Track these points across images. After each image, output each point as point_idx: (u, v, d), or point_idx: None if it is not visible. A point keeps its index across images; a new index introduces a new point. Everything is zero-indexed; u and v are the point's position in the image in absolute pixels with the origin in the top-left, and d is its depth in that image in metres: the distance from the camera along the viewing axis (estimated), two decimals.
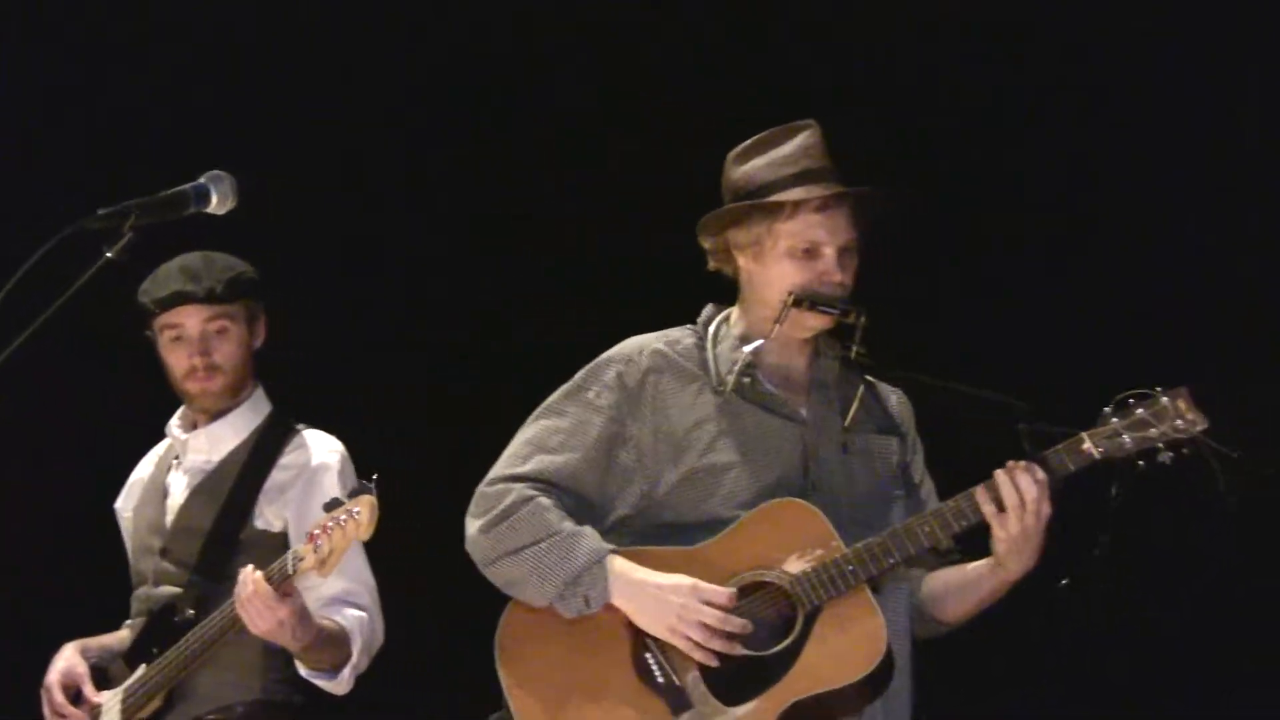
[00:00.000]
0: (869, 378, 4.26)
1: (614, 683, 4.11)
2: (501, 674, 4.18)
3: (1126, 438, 3.98)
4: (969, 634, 4.25)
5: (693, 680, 4.07)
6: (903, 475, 4.28)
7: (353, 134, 6.09)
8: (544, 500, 4.16)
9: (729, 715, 4.04)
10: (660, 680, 4.09)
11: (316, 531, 4.34)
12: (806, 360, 4.25)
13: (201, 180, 3.62)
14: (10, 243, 3.35)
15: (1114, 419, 3.99)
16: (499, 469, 4.23)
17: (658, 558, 4.12)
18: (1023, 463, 4.00)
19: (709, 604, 4.04)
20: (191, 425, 4.92)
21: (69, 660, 4.82)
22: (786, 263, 4.16)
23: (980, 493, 4.01)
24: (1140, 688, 5.54)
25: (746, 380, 4.19)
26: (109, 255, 3.50)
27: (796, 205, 4.13)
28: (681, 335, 4.30)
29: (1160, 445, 3.97)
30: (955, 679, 5.39)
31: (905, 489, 4.27)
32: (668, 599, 4.05)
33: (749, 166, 4.21)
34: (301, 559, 4.37)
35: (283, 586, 4.41)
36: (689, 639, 4.03)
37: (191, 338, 4.81)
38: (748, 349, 4.19)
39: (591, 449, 4.20)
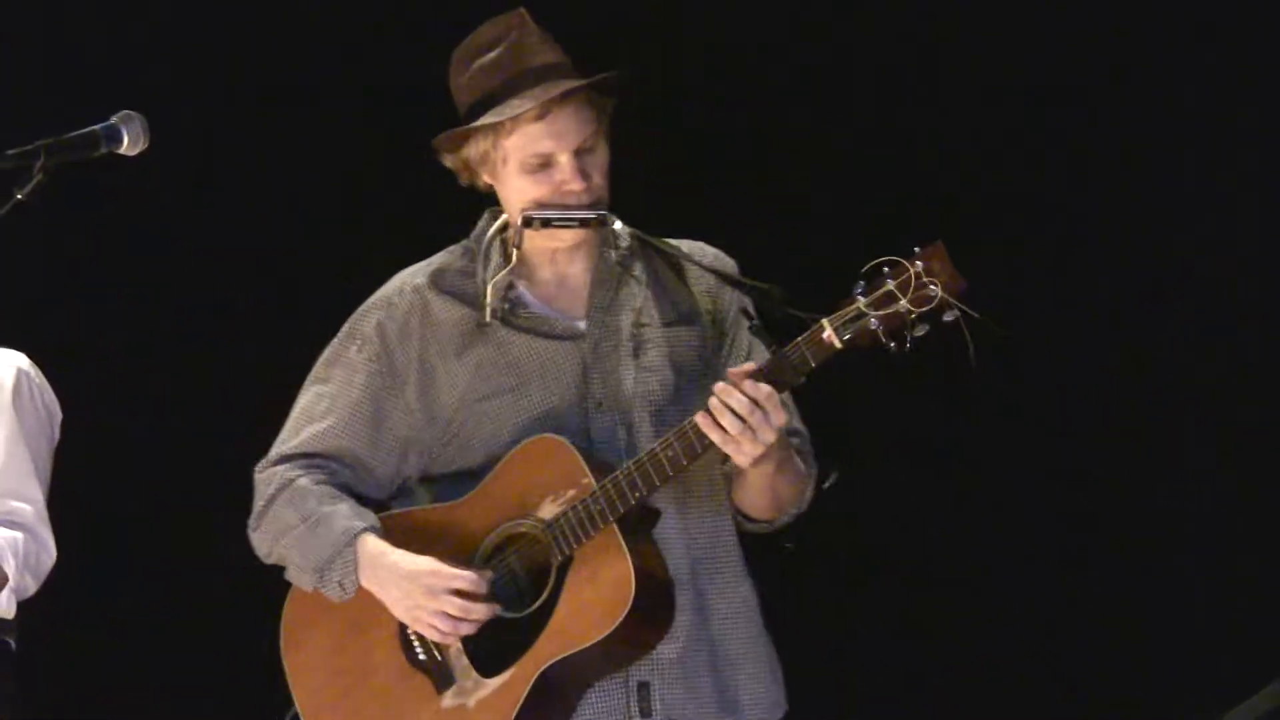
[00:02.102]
0: (662, 263, 3.91)
1: (383, 664, 3.90)
2: (284, 664, 4.01)
3: (872, 318, 3.54)
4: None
5: (455, 653, 3.84)
6: (710, 364, 3.91)
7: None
8: (304, 481, 3.94)
9: (488, 687, 3.79)
10: (422, 658, 3.87)
11: None
12: (583, 266, 3.95)
13: (112, 120, 3.57)
14: None
15: (859, 296, 3.57)
16: (272, 450, 4.02)
17: (420, 521, 3.90)
18: (741, 380, 3.63)
19: (452, 590, 3.78)
20: None
21: None
22: (521, 179, 3.85)
23: (703, 419, 3.64)
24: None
25: (507, 306, 3.92)
26: (19, 197, 3.46)
27: (515, 119, 3.81)
28: (451, 260, 4.01)
29: (912, 317, 3.53)
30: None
31: (696, 379, 3.88)
32: (408, 586, 3.82)
33: (465, 78, 3.89)
34: None
35: None
36: (433, 627, 3.80)
37: None
38: (497, 276, 3.91)
39: (356, 411, 3.96)
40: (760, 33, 5.77)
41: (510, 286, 3.93)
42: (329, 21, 5.90)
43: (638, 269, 3.95)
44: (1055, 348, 5.51)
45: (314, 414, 4.00)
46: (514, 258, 3.90)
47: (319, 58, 5.92)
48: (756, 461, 3.66)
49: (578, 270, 3.94)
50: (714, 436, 3.64)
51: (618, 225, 3.87)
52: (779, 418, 3.62)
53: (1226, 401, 5.41)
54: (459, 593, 3.79)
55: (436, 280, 3.98)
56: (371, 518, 3.91)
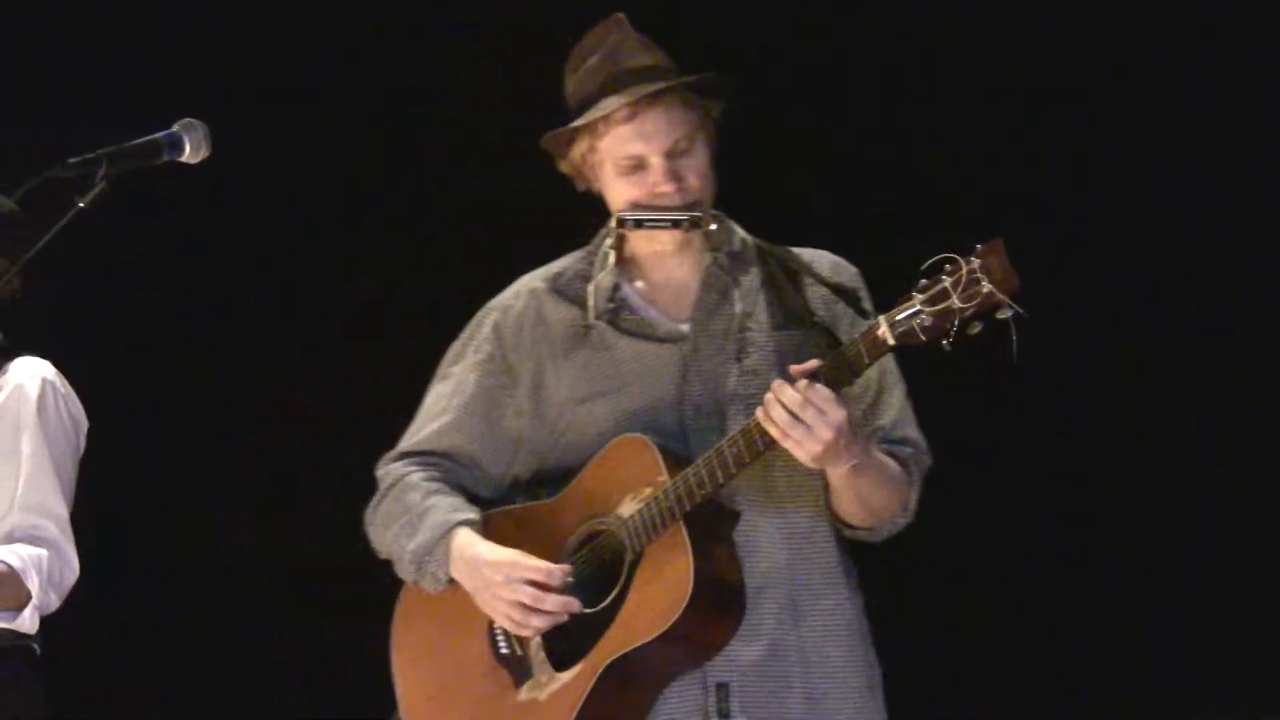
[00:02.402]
0: (777, 268, 3.88)
1: (474, 659, 3.94)
2: (391, 660, 4.05)
3: (926, 314, 3.51)
4: None
5: (535, 648, 3.88)
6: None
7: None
8: (413, 477, 4.01)
9: (558, 682, 3.83)
10: (505, 652, 3.91)
11: None
12: (690, 268, 3.94)
13: (174, 128, 3.58)
14: None
15: (915, 293, 3.54)
16: (395, 448, 4.09)
17: (516, 518, 3.95)
18: (798, 377, 3.62)
19: (529, 581, 3.82)
20: None
21: None
22: (617, 181, 3.88)
23: (760, 414, 3.65)
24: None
25: (613, 308, 3.94)
26: (81, 205, 3.46)
27: (606, 120, 3.85)
28: (569, 264, 4.04)
29: (966, 315, 3.49)
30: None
31: None
32: (488, 576, 3.86)
33: (570, 84, 3.93)
34: None
35: None
36: (509, 617, 3.84)
37: None
38: (600, 276, 3.95)
39: (471, 410, 4.01)
40: (760, 32, 5.79)
41: (617, 289, 3.96)
42: (330, 22, 5.90)
43: (750, 273, 3.94)
44: (1055, 347, 5.53)
45: (433, 413, 4.06)
46: (611, 260, 3.92)
47: (320, 59, 5.92)
48: (822, 460, 3.65)
49: (685, 273, 3.94)
50: (772, 432, 3.64)
51: (713, 226, 3.86)
52: (836, 415, 3.60)
53: (1227, 401, 5.44)
54: (533, 584, 3.82)
55: (553, 282, 4.02)
56: (471, 512, 3.96)
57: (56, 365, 4.66)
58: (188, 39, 5.90)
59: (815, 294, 3.92)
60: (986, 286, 3.44)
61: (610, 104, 3.83)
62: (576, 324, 3.96)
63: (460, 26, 5.89)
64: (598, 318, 3.93)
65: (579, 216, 4.03)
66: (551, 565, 3.83)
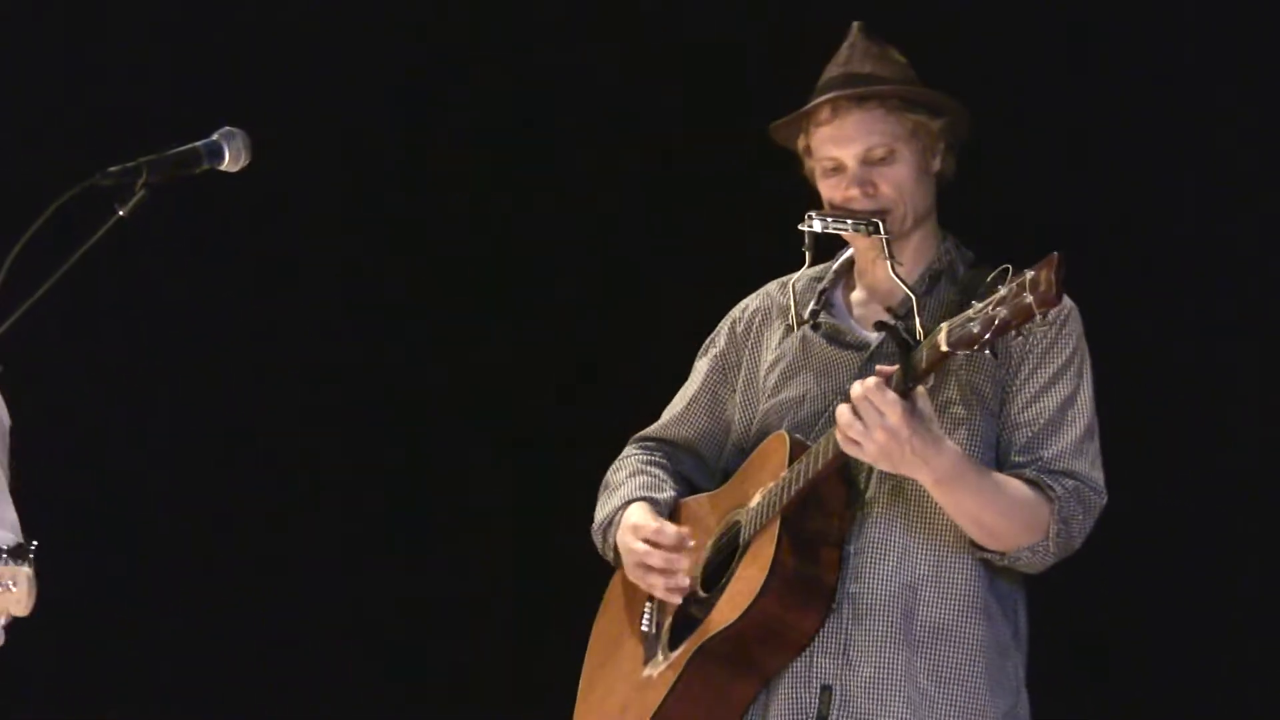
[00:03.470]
0: (982, 283, 3.73)
1: (627, 633, 4.08)
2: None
3: (976, 323, 3.55)
4: None
5: (665, 627, 3.98)
6: (982, 395, 3.87)
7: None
8: (631, 459, 4.18)
9: (667, 660, 3.93)
10: (645, 629, 4.03)
11: None
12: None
13: (214, 137, 3.57)
14: (19, 200, 3.33)
15: (974, 301, 3.59)
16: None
17: (692, 505, 4.07)
18: (861, 386, 3.66)
19: (643, 539, 3.96)
20: None
21: None
22: (821, 183, 3.96)
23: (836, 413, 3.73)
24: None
25: (816, 310, 4.00)
26: (121, 214, 3.45)
27: (811, 119, 3.94)
28: (812, 270, 4.08)
29: (1010, 326, 3.51)
30: None
31: (984, 412, 3.87)
32: (625, 539, 4.02)
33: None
34: None
35: None
36: (638, 579, 3.99)
37: None
38: (794, 276, 4.04)
39: (695, 401, 4.16)
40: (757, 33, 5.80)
41: (824, 293, 4.03)
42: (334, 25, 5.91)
43: (948, 291, 3.93)
44: None
45: (672, 404, 4.22)
46: (808, 260, 3.99)
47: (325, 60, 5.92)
48: (888, 463, 3.70)
49: (889, 284, 3.89)
50: (839, 438, 3.70)
51: (887, 235, 3.85)
52: (893, 417, 3.62)
53: (1226, 401, 5.45)
54: (649, 542, 3.96)
55: (795, 282, 4.07)
56: (657, 493, 4.09)
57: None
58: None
59: None
60: (1029, 299, 3.47)
61: (816, 104, 3.91)
62: (786, 328, 4.04)
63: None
64: (801, 321, 4.00)
65: None
66: (665, 525, 3.96)
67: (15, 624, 4.45)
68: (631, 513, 4.04)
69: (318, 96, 5.95)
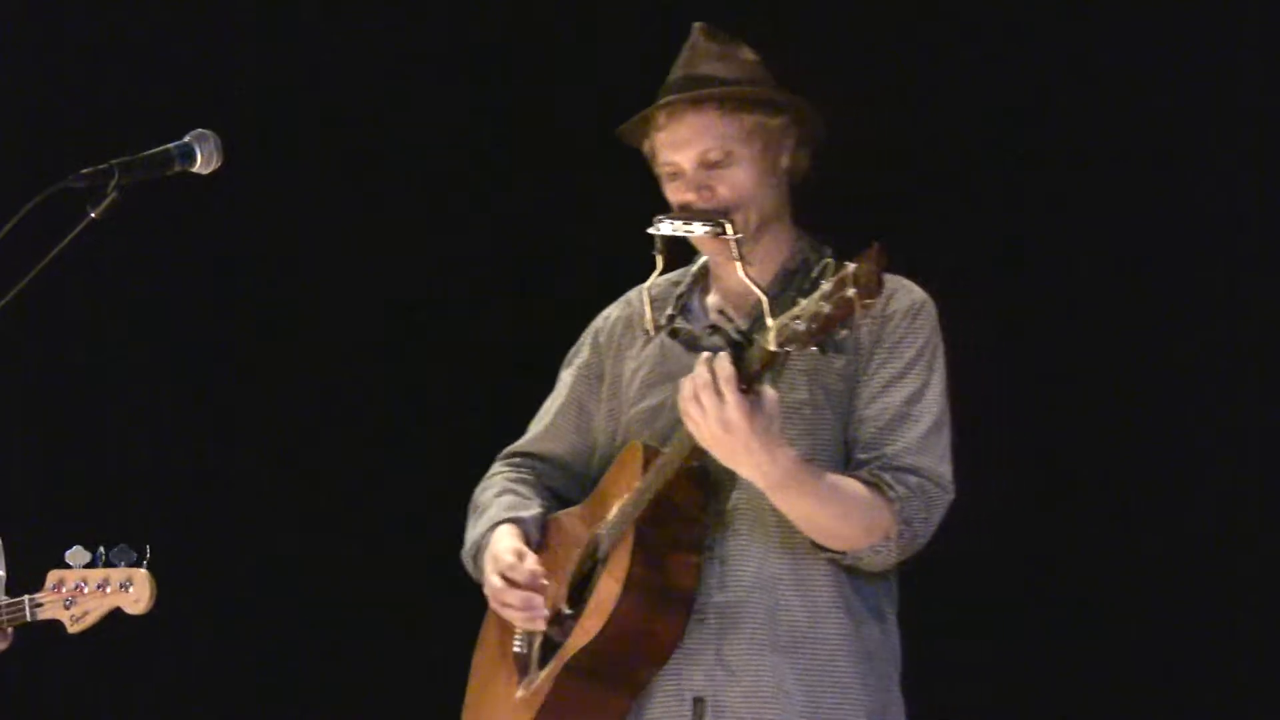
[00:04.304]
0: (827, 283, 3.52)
1: (501, 655, 4.01)
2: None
3: (801, 321, 3.40)
4: None
5: (536, 647, 3.91)
6: (833, 394, 3.81)
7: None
8: (498, 477, 4.09)
9: (538, 679, 3.86)
10: (517, 649, 3.96)
11: (70, 586, 4.24)
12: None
13: (186, 139, 3.57)
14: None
15: (801, 299, 3.43)
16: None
17: (560, 521, 4.00)
18: (706, 371, 3.54)
19: (498, 573, 3.87)
20: None
21: None
22: (666, 187, 3.86)
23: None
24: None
25: (672, 316, 3.92)
26: (93, 215, 3.44)
27: (649, 123, 3.86)
28: (673, 274, 4.01)
29: (834, 321, 3.38)
30: None
31: (836, 410, 3.81)
32: (487, 572, 3.93)
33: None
34: (40, 605, 4.30)
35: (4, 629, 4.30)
36: (499, 611, 3.91)
37: None
38: (646, 284, 3.93)
39: (563, 415, 4.08)
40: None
41: (681, 297, 3.97)
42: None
43: (800, 285, 3.79)
44: (1059, 347, 5.55)
45: (538, 418, 4.14)
46: (659, 264, 3.90)
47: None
48: (723, 455, 3.60)
49: (743, 285, 3.79)
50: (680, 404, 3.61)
51: (736, 236, 3.77)
52: (733, 412, 3.51)
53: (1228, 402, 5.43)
54: (504, 577, 3.87)
55: (650, 289, 3.97)
56: (524, 512, 4.00)
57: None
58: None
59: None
60: (851, 292, 3.35)
61: (652, 109, 3.85)
62: (645, 331, 3.96)
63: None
64: (659, 327, 3.92)
65: None
66: (519, 562, 3.86)
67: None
68: (497, 538, 3.95)
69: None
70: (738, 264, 3.76)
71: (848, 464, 3.79)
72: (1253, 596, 5.34)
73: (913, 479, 3.76)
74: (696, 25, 3.90)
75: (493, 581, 3.89)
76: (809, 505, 3.69)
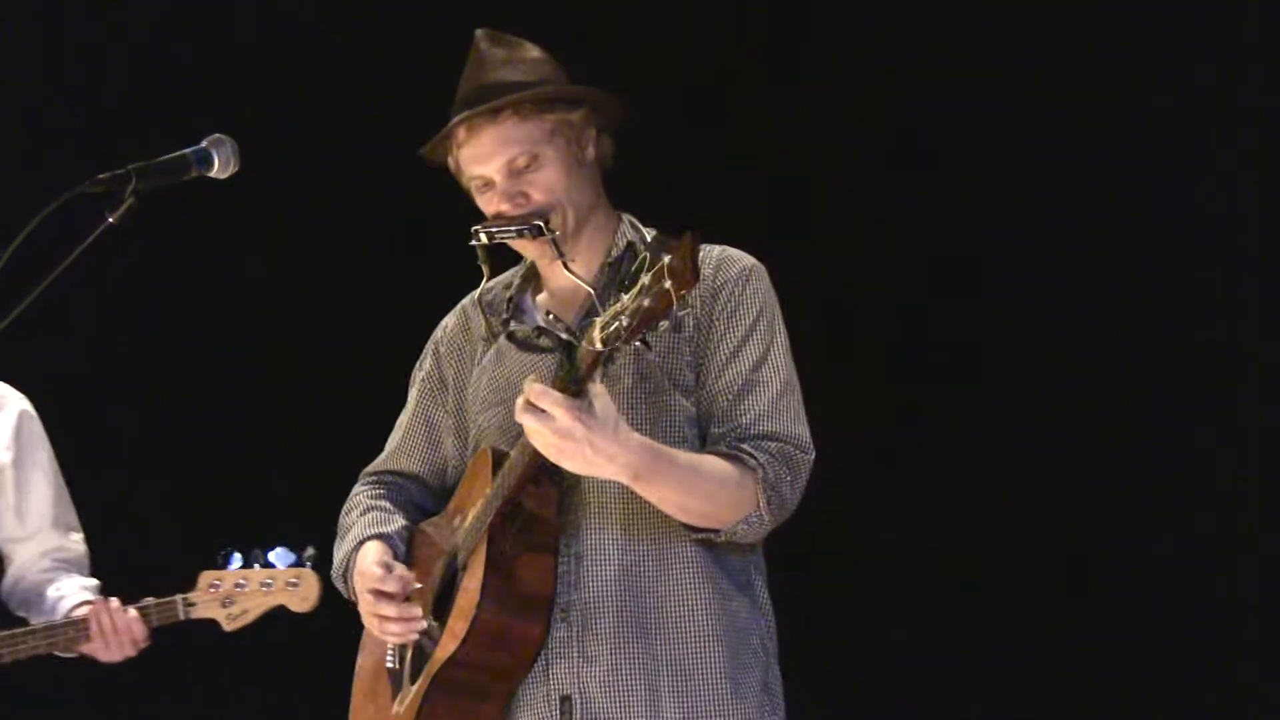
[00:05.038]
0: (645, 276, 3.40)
1: (377, 672, 3.99)
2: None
3: (624, 317, 3.33)
4: None
5: (407, 661, 3.89)
6: (678, 378, 3.78)
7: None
8: (359, 497, 4.06)
9: (410, 693, 3.82)
10: (390, 665, 3.95)
11: (227, 586, 4.28)
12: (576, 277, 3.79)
13: (203, 144, 3.58)
14: (9, 207, 3.34)
15: (622, 294, 3.36)
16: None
17: (424, 531, 3.97)
18: (528, 389, 3.49)
19: (369, 590, 3.83)
20: None
21: None
22: (479, 199, 3.85)
23: None
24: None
25: (507, 319, 3.92)
26: (111, 220, 3.46)
27: (449, 140, 3.84)
28: (504, 277, 4.00)
29: (655, 315, 3.30)
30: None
31: (682, 392, 3.77)
32: (359, 588, 3.89)
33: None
34: (192, 605, 4.35)
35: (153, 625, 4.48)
36: (374, 628, 3.87)
37: None
38: (476, 292, 3.93)
39: (413, 429, 4.07)
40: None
41: (512, 300, 3.95)
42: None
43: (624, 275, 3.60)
44: (1062, 347, 5.57)
45: (393, 433, 4.12)
46: (486, 273, 3.88)
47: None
48: (572, 465, 3.55)
49: (571, 282, 3.81)
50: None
51: (554, 234, 3.77)
52: (562, 418, 3.45)
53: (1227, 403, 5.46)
54: (375, 592, 3.82)
55: (482, 295, 3.97)
56: (388, 527, 3.97)
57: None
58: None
59: (696, 290, 3.65)
60: (668, 285, 3.28)
61: (450, 127, 3.82)
62: (483, 337, 3.94)
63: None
64: (494, 333, 3.90)
65: None
66: (388, 574, 3.82)
67: None
68: (364, 554, 3.91)
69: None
70: (560, 262, 3.76)
71: (704, 442, 3.75)
72: (1253, 596, 5.39)
73: (772, 445, 3.71)
74: (479, 32, 3.89)
75: (365, 598, 3.84)
76: (676, 490, 3.64)
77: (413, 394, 4.09)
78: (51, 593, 4.70)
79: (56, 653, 4.61)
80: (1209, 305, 5.45)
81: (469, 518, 3.78)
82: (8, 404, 4.81)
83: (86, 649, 4.57)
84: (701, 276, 3.58)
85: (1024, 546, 5.54)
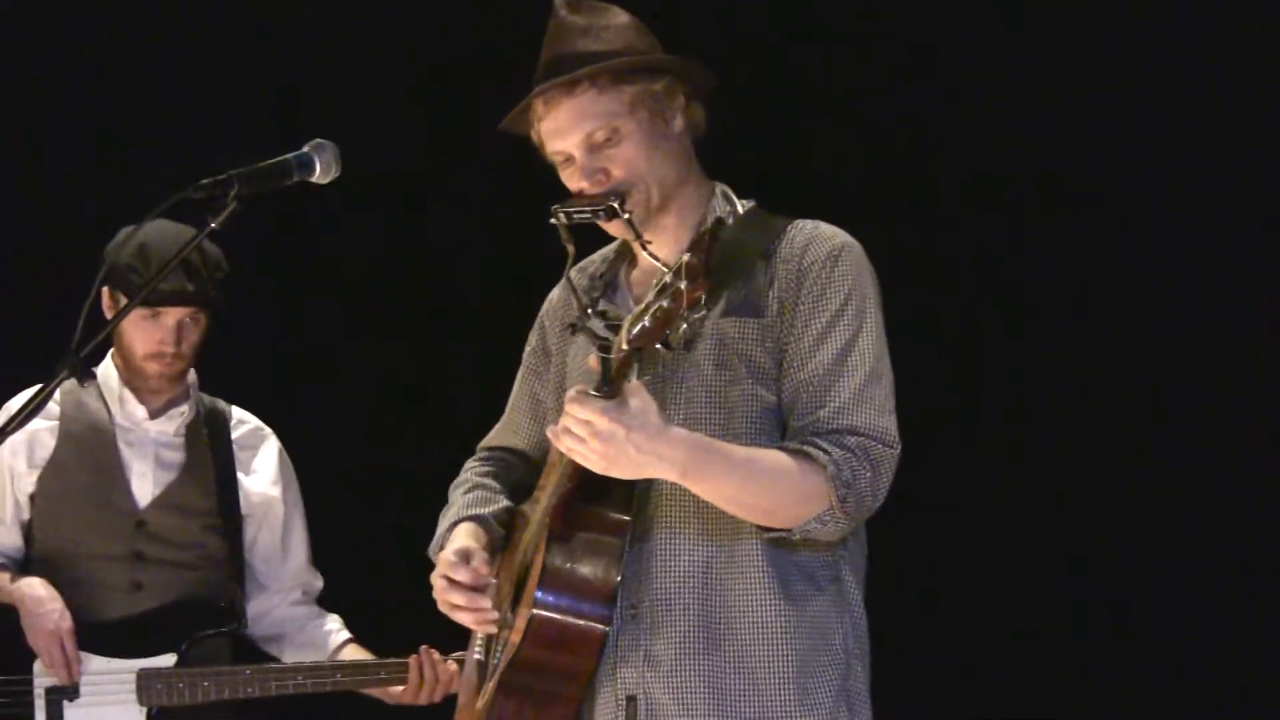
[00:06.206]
0: (667, 275, 3.32)
1: (474, 663, 3.86)
2: None
3: (647, 318, 3.28)
4: None
5: (495, 651, 3.75)
6: (755, 365, 3.60)
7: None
8: (467, 473, 3.92)
9: (486, 691, 3.68)
10: (479, 656, 3.82)
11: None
12: (668, 255, 3.57)
13: (305, 149, 3.55)
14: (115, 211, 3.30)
15: (650, 295, 3.30)
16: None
17: (524, 513, 3.83)
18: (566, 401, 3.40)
19: (441, 575, 3.66)
20: (138, 400, 4.92)
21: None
22: (562, 174, 3.69)
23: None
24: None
25: (596, 296, 3.75)
26: (213, 226, 3.43)
27: (531, 116, 3.68)
28: (601, 252, 3.87)
29: (674, 315, 3.25)
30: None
31: (761, 379, 3.60)
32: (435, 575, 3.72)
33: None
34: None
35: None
36: (450, 614, 3.69)
37: (168, 325, 4.81)
38: (567, 270, 3.72)
39: (518, 405, 3.94)
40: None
41: (602, 276, 3.81)
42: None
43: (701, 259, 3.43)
44: (1061, 347, 5.59)
45: (506, 410, 4.01)
46: (571, 254, 3.68)
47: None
48: (619, 471, 3.43)
49: (650, 261, 3.61)
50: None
51: (627, 214, 3.59)
52: (600, 422, 3.35)
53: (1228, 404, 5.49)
54: (447, 579, 3.66)
55: (585, 268, 3.85)
56: (484, 508, 3.82)
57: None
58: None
59: (783, 272, 3.63)
60: (682, 284, 3.22)
61: (528, 100, 3.68)
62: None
63: None
64: (582, 310, 3.60)
65: None
66: (461, 561, 3.67)
67: None
68: (454, 538, 3.75)
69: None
70: (638, 244, 3.60)
71: (783, 435, 3.59)
72: (1253, 596, 5.42)
73: (851, 439, 3.53)
74: (557, 1, 3.71)
75: (438, 583, 3.66)
76: (730, 483, 3.49)
77: (521, 370, 3.95)
78: (313, 628, 4.97)
79: (360, 690, 4.84)
80: (1209, 305, 5.48)
81: (538, 507, 3.69)
82: (266, 437, 5.02)
83: (394, 692, 4.82)
84: (787, 257, 3.58)
85: (1023, 547, 5.54)
